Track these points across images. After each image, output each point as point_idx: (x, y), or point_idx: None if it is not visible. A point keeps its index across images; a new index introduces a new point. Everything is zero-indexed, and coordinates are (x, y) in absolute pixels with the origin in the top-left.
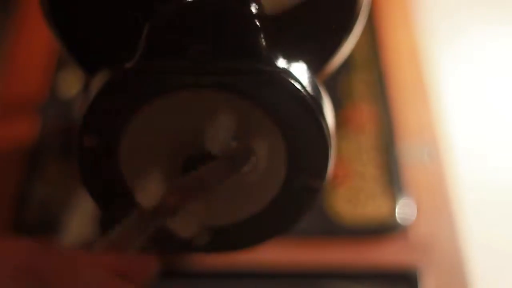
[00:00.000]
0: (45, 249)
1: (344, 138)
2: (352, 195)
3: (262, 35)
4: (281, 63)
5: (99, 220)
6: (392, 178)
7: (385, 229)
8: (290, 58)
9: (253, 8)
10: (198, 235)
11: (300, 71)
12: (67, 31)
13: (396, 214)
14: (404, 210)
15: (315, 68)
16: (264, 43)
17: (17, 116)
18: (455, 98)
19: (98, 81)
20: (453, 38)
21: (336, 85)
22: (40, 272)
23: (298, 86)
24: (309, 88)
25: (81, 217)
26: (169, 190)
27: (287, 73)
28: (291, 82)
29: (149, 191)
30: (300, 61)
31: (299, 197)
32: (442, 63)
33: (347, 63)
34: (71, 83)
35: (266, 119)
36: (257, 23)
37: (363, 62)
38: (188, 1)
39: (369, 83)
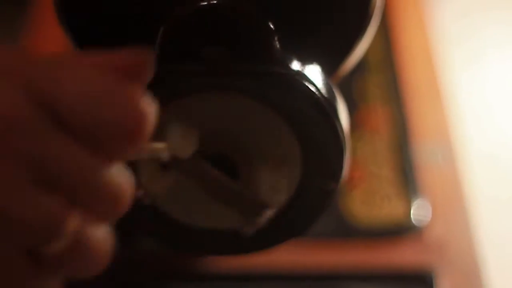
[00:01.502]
0: (28, 56)
1: (359, 140)
2: (367, 197)
3: (275, 38)
4: (295, 65)
5: None
6: (407, 180)
7: (401, 231)
8: (304, 60)
9: (267, 11)
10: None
11: (314, 73)
12: (81, 34)
13: (411, 216)
14: (419, 211)
15: (329, 70)
16: (278, 46)
17: None
18: (470, 99)
19: None
20: (467, 39)
21: (351, 87)
22: (30, 80)
23: (312, 88)
24: (323, 90)
25: None
26: None
27: (301, 75)
28: (305, 84)
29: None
30: (314, 63)
31: (314, 199)
32: (456, 64)
33: (362, 65)
34: None
35: (280, 121)
36: (271, 26)
37: (377, 64)
38: (202, 5)
39: (384, 85)
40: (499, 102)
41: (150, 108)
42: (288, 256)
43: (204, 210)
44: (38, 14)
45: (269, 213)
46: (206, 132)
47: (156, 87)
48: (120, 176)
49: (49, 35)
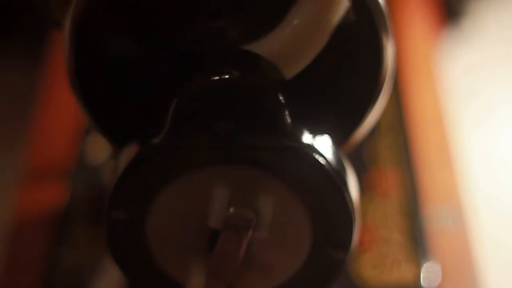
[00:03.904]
0: None
1: (369, 203)
2: (377, 261)
3: (286, 111)
4: (306, 138)
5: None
6: (417, 244)
7: None
8: (315, 132)
9: (278, 85)
10: None
11: (324, 145)
12: (94, 104)
13: (421, 280)
14: (428, 275)
15: (340, 140)
16: (288, 119)
17: (45, 181)
18: (481, 159)
19: (126, 156)
20: (478, 97)
21: (362, 149)
22: None
23: (323, 162)
24: (333, 163)
25: (108, 284)
26: (208, 279)
27: (311, 148)
28: (315, 158)
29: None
30: (325, 134)
31: (324, 269)
32: (467, 124)
33: (373, 128)
34: (100, 148)
35: (291, 194)
36: (281, 100)
37: (388, 127)
38: (214, 79)
39: (394, 148)
40: (510, 165)
41: None
42: None
43: None
44: (51, 78)
45: None
46: (217, 205)
47: (168, 160)
48: None
49: (62, 101)
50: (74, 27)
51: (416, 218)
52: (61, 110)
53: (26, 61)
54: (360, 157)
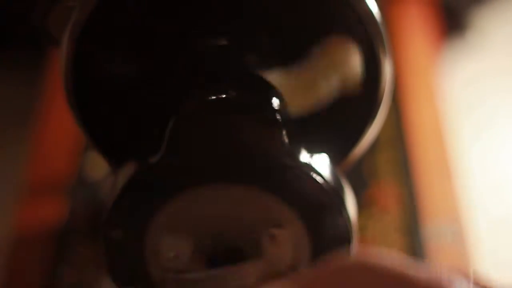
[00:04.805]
0: None
1: (369, 219)
2: None
3: (283, 130)
4: (303, 157)
5: None
6: (416, 260)
7: None
8: (312, 151)
9: (275, 104)
10: None
11: (322, 164)
12: (92, 123)
13: None
14: None
15: (338, 158)
16: (286, 138)
17: (45, 197)
18: (481, 173)
19: (123, 175)
20: (478, 109)
21: (361, 164)
22: None
23: (320, 181)
24: (331, 182)
25: None
26: None
27: (309, 167)
28: (313, 177)
29: None
30: (322, 153)
31: None
32: (467, 137)
33: (372, 143)
34: (99, 163)
35: (290, 213)
36: (279, 119)
37: (387, 142)
38: (211, 98)
39: (394, 163)
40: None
41: None
42: None
43: None
44: (51, 95)
45: None
46: (217, 224)
47: (166, 180)
48: None
49: (62, 116)
50: (72, 45)
51: (416, 234)
52: (60, 125)
53: (25, 76)
54: (359, 172)
